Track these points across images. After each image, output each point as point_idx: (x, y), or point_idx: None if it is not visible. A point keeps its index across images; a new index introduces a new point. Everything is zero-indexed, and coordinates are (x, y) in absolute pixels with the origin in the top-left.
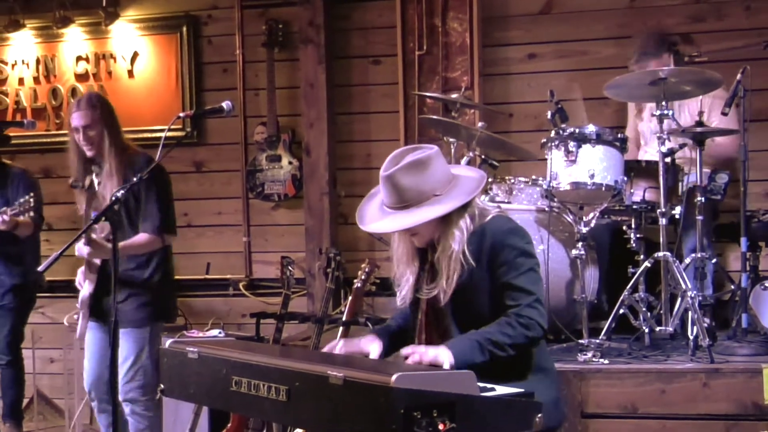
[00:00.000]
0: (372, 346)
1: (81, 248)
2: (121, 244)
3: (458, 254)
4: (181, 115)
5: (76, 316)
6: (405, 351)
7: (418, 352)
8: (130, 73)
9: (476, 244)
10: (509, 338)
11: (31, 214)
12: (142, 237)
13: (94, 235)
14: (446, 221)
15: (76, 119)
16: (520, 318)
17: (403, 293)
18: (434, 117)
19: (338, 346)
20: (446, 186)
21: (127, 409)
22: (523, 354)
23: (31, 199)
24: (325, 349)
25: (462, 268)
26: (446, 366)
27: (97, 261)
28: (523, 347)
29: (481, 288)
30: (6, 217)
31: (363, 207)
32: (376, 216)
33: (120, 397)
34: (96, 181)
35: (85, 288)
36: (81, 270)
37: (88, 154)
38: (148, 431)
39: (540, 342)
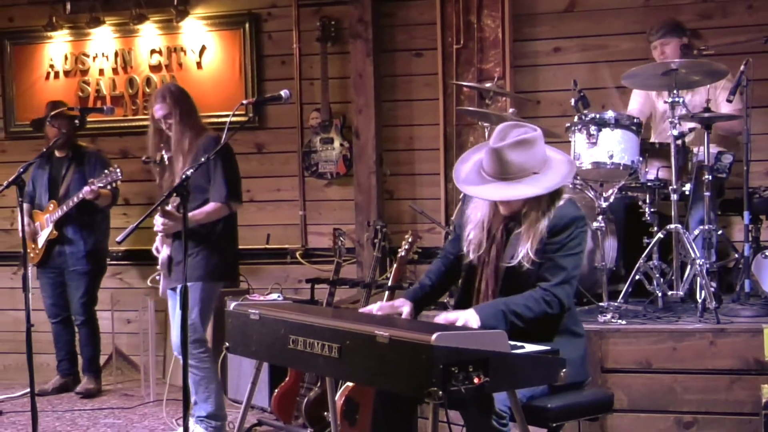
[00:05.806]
0: (404, 308)
1: (156, 222)
2: (191, 213)
3: (543, 228)
4: (244, 102)
5: (158, 277)
6: (438, 319)
7: (449, 320)
8: (199, 65)
9: None
10: (532, 313)
11: (120, 180)
12: (210, 205)
13: (168, 207)
14: (538, 197)
15: (156, 112)
16: (546, 295)
17: (467, 250)
18: (470, 108)
19: (375, 308)
20: (543, 166)
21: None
22: (553, 318)
23: (118, 170)
24: (364, 311)
25: (541, 240)
26: None
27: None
28: (540, 319)
29: (534, 262)
30: (95, 188)
31: (459, 167)
32: (476, 180)
33: (175, 352)
34: (166, 157)
35: (164, 252)
36: (159, 237)
37: (172, 137)
38: (204, 381)
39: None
